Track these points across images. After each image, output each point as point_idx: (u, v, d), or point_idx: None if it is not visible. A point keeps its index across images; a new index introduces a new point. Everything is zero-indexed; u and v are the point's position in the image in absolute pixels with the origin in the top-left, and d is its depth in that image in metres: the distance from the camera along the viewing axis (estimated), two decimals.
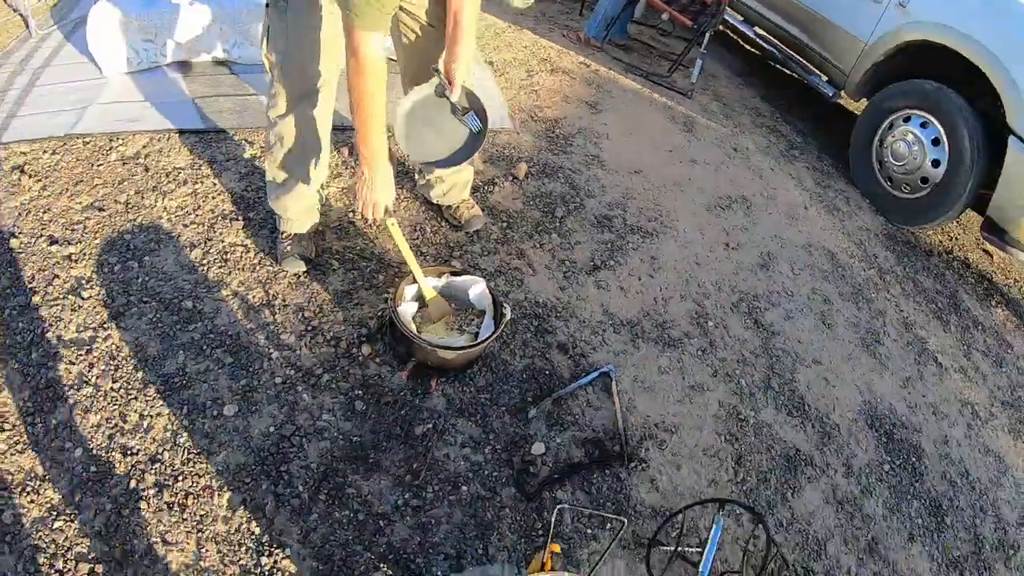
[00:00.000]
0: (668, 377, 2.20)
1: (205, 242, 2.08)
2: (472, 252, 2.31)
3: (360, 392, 1.76)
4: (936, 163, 3.32)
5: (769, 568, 1.68)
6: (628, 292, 2.41)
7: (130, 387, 1.69)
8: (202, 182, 2.25)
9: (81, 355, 1.73)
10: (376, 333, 1.91)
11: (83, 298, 1.85)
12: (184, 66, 2.61)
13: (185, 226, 2.12)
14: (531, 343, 2.06)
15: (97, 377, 1.69)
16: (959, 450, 2.68)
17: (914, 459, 2.51)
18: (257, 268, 2.05)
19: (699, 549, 1.70)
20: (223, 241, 2.09)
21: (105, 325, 1.81)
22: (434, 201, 2.31)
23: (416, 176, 2.32)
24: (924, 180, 3.41)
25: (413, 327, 1.70)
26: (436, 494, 1.64)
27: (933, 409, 2.76)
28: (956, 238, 4.13)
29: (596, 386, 2.03)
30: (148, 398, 1.68)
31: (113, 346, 1.77)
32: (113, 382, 1.69)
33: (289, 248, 1.98)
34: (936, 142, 3.30)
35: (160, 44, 2.49)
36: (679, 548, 1.73)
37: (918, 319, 3.20)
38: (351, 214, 2.28)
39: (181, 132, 2.38)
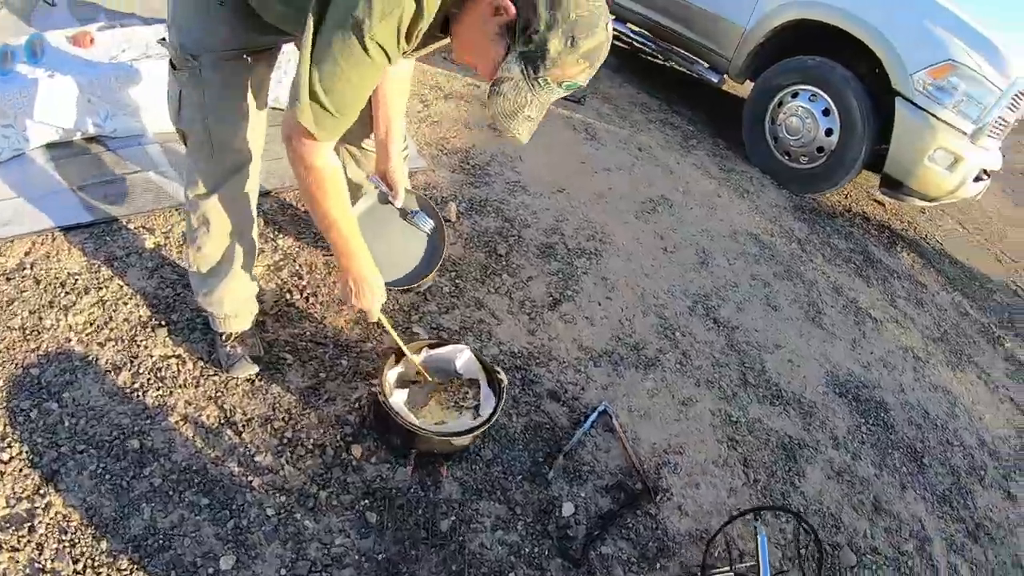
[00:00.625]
0: (659, 399, 2.25)
1: (131, 361, 1.83)
2: (430, 312, 2.25)
3: (367, 501, 1.64)
4: (829, 132, 3.66)
5: (825, 563, 1.76)
6: (593, 320, 2.45)
7: (97, 564, 1.48)
8: (106, 287, 1.96)
9: (23, 536, 1.48)
10: (361, 428, 1.80)
11: (3, 462, 1.60)
12: (54, 149, 2.32)
13: (101, 345, 1.85)
14: (522, 399, 2.03)
15: (52, 560, 1.47)
16: (914, 394, 2.95)
17: (882, 414, 2.74)
18: (201, 381, 1.84)
19: (751, 564, 1.76)
20: (151, 355, 1.85)
21: (41, 491, 1.56)
22: None
23: None
24: (820, 149, 3.75)
25: (413, 417, 1.62)
26: None
27: (883, 363, 3.03)
28: (849, 195, 4.57)
29: (597, 427, 2.04)
30: (123, 572, 1.48)
31: (59, 515, 1.53)
32: (74, 562, 1.47)
33: (234, 350, 1.79)
34: (826, 112, 3.64)
35: (21, 128, 2.17)
36: (733, 568, 1.77)
37: (844, 281, 3.50)
38: (288, 295, 2.13)
39: (66, 230, 2.08)
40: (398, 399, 1.66)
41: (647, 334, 2.50)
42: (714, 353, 2.57)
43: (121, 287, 1.97)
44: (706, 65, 4.29)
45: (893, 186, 3.66)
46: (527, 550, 1.67)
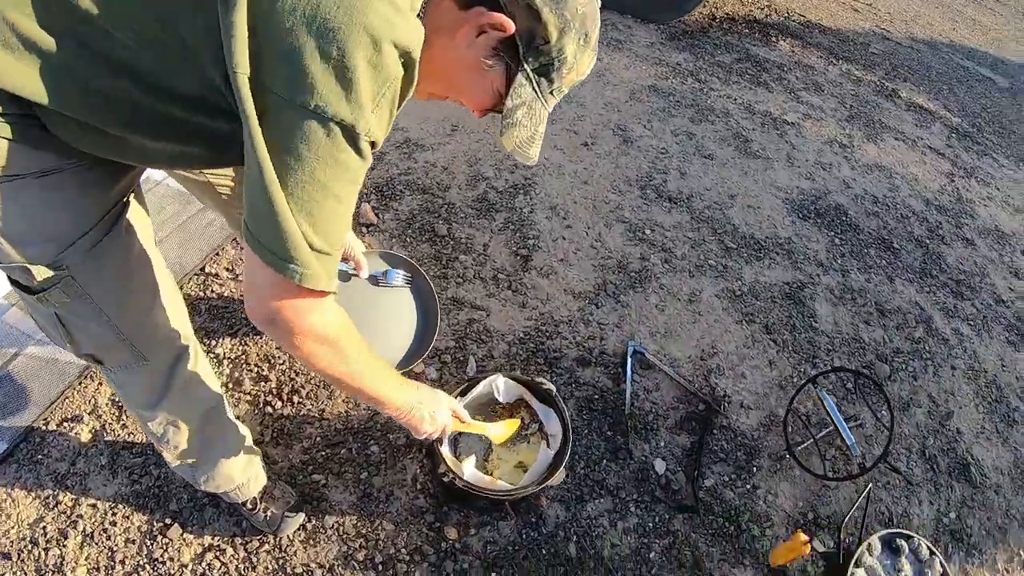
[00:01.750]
0: (669, 309, 2.32)
1: None
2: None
3: (495, 573, 1.62)
4: None
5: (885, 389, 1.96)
6: (569, 260, 2.43)
7: None
8: (79, 516, 1.63)
9: None
10: (440, 507, 1.71)
11: None
12: None
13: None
14: (559, 382, 2.02)
15: None
16: (857, 184, 3.22)
17: (843, 217, 2.98)
18: (255, 560, 1.60)
19: (828, 428, 1.94)
20: (183, 563, 1.58)
21: None
22: None
23: None
24: None
25: (503, 484, 1.58)
26: (642, 575, 1.65)
27: (819, 166, 3.25)
28: (704, 3, 4.61)
29: (636, 369, 2.09)
30: None
31: None
32: None
33: (268, 512, 1.62)
34: None
35: None
36: (813, 437, 1.95)
37: (749, 96, 3.63)
38: (268, 407, 1.87)
39: None
40: (470, 472, 1.60)
41: (622, 246, 2.52)
42: (687, 234, 2.65)
43: (95, 506, 1.65)
44: None
45: None
46: (650, 524, 1.75)
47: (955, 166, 3.64)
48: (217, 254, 2.18)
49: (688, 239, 2.63)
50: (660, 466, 1.88)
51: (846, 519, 1.67)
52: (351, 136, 0.80)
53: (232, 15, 0.73)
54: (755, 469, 1.95)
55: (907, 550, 1.54)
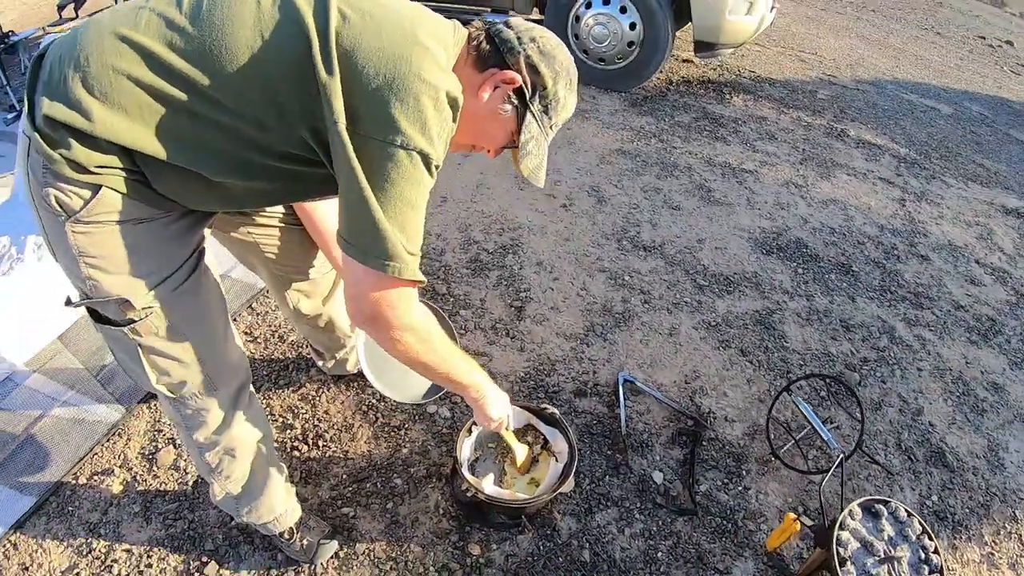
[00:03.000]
0: (652, 342, 2.63)
1: None
2: None
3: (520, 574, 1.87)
4: (633, 26, 4.15)
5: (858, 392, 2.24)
6: (558, 307, 2.75)
7: None
8: (113, 563, 1.79)
9: None
10: (463, 528, 1.95)
11: None
12: None
13: None
14: (560, 411, 2.30)
15: None
16: (814, 218, 3.58)
17: (803, 249, 3.32)
18: None
19: (806, 429, 2.21)
20: None
21: None
22: (354, 371, 2.34)
23: (319, 362, 2.31)
24: (631, 44, 4.26)
25: (522, 495, 1.84)
26: (652, 575, 1.88)
27: (778, 206, 3.62)
28: (663, 71, 5.12)
29: (628, 396, 2.37)
30: None
31: None
32: None
33: (304, 541, 1.82)
34: (623, 10, 4.11)
35: None
36: (794, 439, 2.21)
37: (708, 151, 4.05)
38: (296, 451, 2.13)
39: (19, 527, 1.84)
40: (491, 488, 1.85)
41: (605, 292, 2.85)
42: (662, 277, 2.98)
43: (129, 551, 1.81)
44: (490, 10, 4.58)
45: (706, 49, 4.24)
46: (654, 528, 2.00)
47: (905, 192, 4.03)
48: (235, 319, 2.49)
49: (664, 281, 2.97)
50: (658, 477, 2.14)
51: (824, 493, 1.91)
52: (427, 161, 1.08)
53: (331, 84, 1.04)
54: (744, 473, 2.21)
55: (886, 513, 1.78)
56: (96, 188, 1.10)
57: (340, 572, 1.84)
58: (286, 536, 1.81)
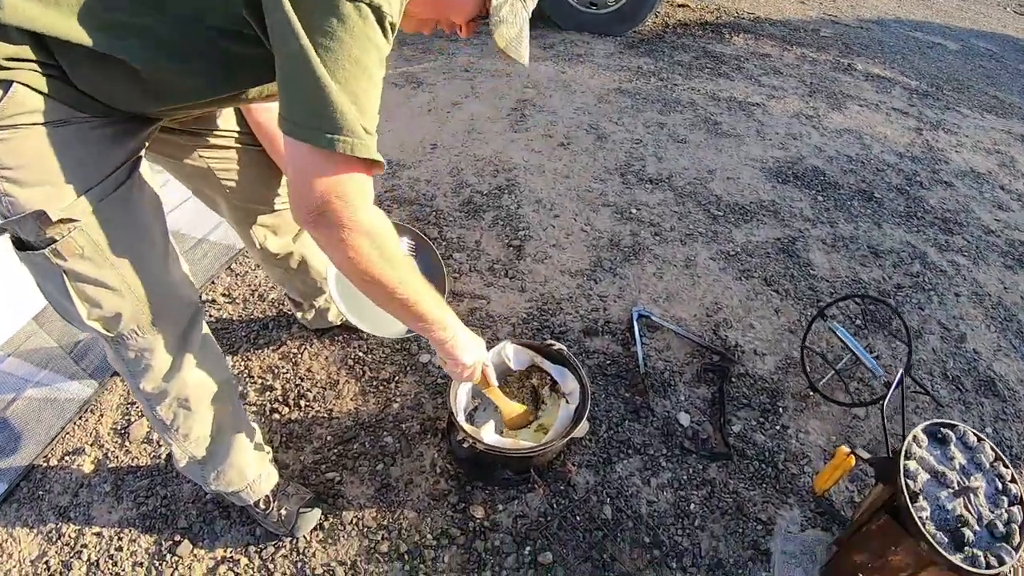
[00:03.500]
0: (667, 275, 2.38)
1: None
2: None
3: (528, 548, 1.56)
4: None
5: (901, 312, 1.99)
6: (560, 244, 2.49)
7: None
8: (84, 545, 1.60)
9: None
10: (463, 487, 1.69)
11: None
12: None
13: None
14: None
15: None
16: (829, 147, 3.33)
17: (821, 177, 3.08)
18: (272, 567, 1.56)
19: (847, 357, 1.97)
20: None
21: None
22: (337, 323, 2.09)
23: (298, 314, 2.06)
24: None
25: (526, 443, 1.59)
26: (685, 530, 1.63)
27: (790, 136, 3.37)
28: (659, 15, 4.85)
29: (644, 332, 2.12)
30: None
31: None
32: None
33: (283, 510, 1.58)
34: None
35: None
36: (834, 369, 1.97)
37: (711, 87, 3.78)
38: (276, 413, 1.87)
39: None
40: (491, 436, 1.60)
41: (611, 226, 2.59)
42: (672, 209, 2.73)
43: (99, 534, 1.61)
44: None
45: None
46: (684, 477, 1.75)
47: (921, 121, 3.77)
48: (213, 282, 2.23)
49: (674, 212, 2.71)
50: (684, 419, 1.89)
51: (885, 418, 1.67)
52: (379, 16, 0.86)
53: None
54: (781, 410, 1.96)
55: (954, 439, 1.52)
56: (7, 85, 0.90)
57: (325, 545, 1.58)
58: (261, 506, 1.56)
